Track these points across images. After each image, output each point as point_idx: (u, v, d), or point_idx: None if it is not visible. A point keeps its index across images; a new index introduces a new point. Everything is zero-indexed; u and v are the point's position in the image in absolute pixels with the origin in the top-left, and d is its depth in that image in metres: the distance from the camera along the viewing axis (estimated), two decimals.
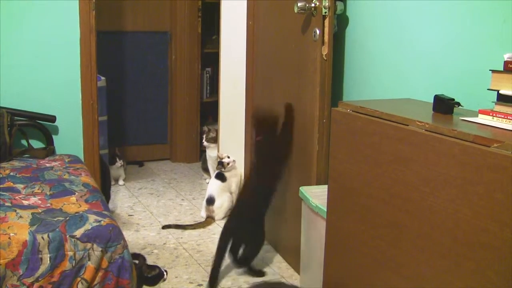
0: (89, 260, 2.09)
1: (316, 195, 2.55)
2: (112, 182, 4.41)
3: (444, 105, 1.90)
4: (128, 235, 3.49)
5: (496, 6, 2.05)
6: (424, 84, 2.43)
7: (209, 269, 3.07)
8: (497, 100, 1.72)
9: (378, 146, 1.90)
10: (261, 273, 3.04)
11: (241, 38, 3.67)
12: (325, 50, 2.69)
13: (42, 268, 2.03)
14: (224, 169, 3.80)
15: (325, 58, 2.70)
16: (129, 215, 3.90)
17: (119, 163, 4.49)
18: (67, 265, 2.06)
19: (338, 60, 2.99)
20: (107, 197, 3.74)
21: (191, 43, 5.11)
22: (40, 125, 3.26)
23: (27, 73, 3.26)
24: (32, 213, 2.19)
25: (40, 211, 2.24)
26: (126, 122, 5.20)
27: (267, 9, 3.35)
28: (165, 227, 3.63)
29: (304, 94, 2.88)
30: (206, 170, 4.70)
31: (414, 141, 1.74)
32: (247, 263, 3.00)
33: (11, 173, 2.75)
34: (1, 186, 2.55)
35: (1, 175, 2.70)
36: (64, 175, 2.77)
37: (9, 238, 2.02)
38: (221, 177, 3.82)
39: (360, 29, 2.88)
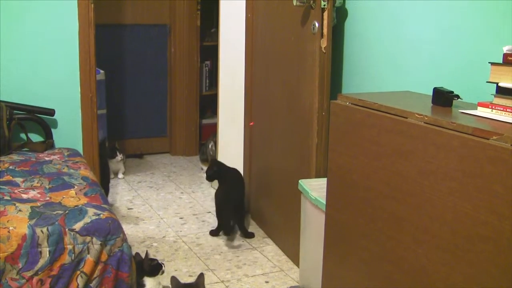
0: (88, 253, 2.09)
1: (315, 188, 2.55)
2: (112, 176, 4.41)
3: (443, 98, 1.90)
4: (128, 228, 3.49)
5: None
6: (423, 76, 2.43)
7: (208, 262, 3.08)
8: (496, 92, 1.72)
9: (377, 139, 1.90)
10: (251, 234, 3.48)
11: (240, 31, 3.67)
12: (324, 43, 2.69)
13: (42, 262, 2.04)
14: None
15: (324, 51, 2.70)
16: (128, 209, 3.90)
17: (119, 157, 4.49)
18: (66, 259, 2.06)
19: (337, 53, 2.98)
20: (106, 190, 3.74)
21: (190, 36, 5.10)
22: (39, 119, 3.26)
23: (26, 66, 3.25)
24: (31, 207, 2.19)
25: (39, 204, 2.24)
26: (125, 115, 5.19)
27: (266, 2, 3.34)
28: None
29: (303, 87, 2.88)
30: (204, 161, 4.70)
31: (413, 133, 1.74)
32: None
33: (10, 167, 2.75)
34: (0, 179, 2.55)
35: (0, 169, 2.70)
36: (63, 168, 2.77)
37: (9, 231, 2.02)
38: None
39: (359, 22, 2.87)
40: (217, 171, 3.52)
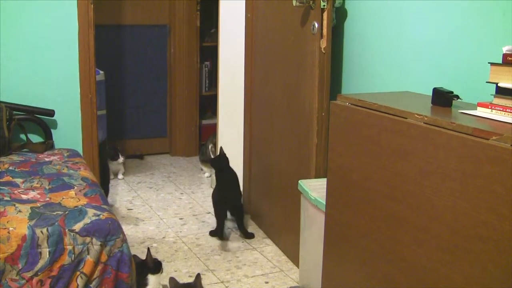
0: (88, 254, 2.09)
1: (315, 188, 2.55)
2: (111, 176, 4.41)
3: (443, 98, 1.90)
4: (127, 229, 3.49)
5: None
6: (423, 77, 2.43)
7: (208, 262, 3.08)
8: (496, 93, 1.72)
9: (377, 139, 1.90)
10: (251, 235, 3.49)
11: (240, 31, 3.67)
12: (323, 44, 2.69)
13: (41, 262, 2.03)
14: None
15: (324, 52, 2.70)
16: (128, 209, 3.90)
17: (121, 158, 4.49)
18: (66, 259, 2.06)
19: (336, 53, 2.99)
20: (106, 191, 3.74)
21: (190, 37, 5.10)
22: (39, 120, 3.26)
23: (26, 67, 3.25)
24: (31, 207, 2.19)
25: (39, 205, 2.24)
26: (125, 116, 5.20)
27: (266, 2, 3.34)
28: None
29: (303, 88, 2.88)
30: (204, 162, 4.70)
31: (413, 134, 1.74)
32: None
33: (10, 168, 2.75)
34: (0, 180, 2.55)
35: (0, 170, 2.69)
36: (63, 169, 2.77)
37: (8, 232, 2.02)
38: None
39: (359, 22, 2.87)
40: (218, 166, 3.59)
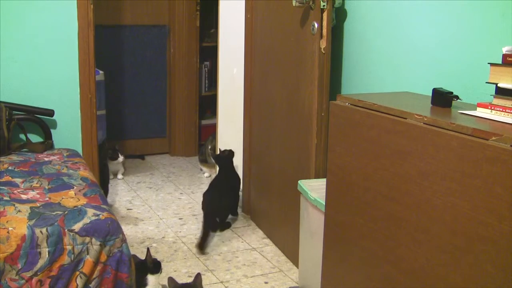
0: (87, 254, 2.09)
1: (314, 189, 2.55)
2: (111, 176, 4.41)
3: (442, 98, 1.90)
4: (127, 229, 3.49)
5: None
6: (423, 77, 2.43)
7: (208, 262, 3.08)
8: (495, 93, 1.72)
9: (377, 140, 1.90)
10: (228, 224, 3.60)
11: (240, 31, 3.67)
12: (323, 44, 2.69)
13: (41, 262, 2.03)
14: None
15: (324, 52, 2.70)
16: (127, 209, 3.90)
17: (121, 158, 4.48)
18: (65, 259, 2.06)
19: (336, 54, 2.99)
20: (106, 191, 3.74)
21: (189, 37, 5.10)
22: (39, 119, 3.26)
23: (25, 67, 3.25)
24: (31, 207, 2.19)
25: (38, 205, 2.24)
26: (124, 116, 5.20)
27: (266, 3, 3.34)
28: None
29: (302, 88, 2.88)
30: (203, 162, 4.71)
31: (412, 134, 1.74)
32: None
33: (10, 167, 2.75)
34: (0, 180, 2.55)
35: None
36: (63, 169, 2.77)
37: (8, 232, 2.02)
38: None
39: (359, 22, 2.87)
40: (219, 163, 3.69)
